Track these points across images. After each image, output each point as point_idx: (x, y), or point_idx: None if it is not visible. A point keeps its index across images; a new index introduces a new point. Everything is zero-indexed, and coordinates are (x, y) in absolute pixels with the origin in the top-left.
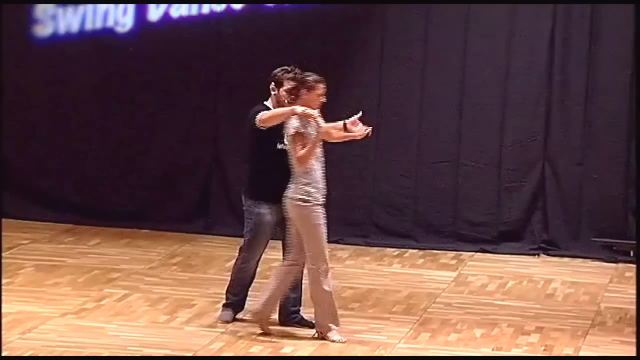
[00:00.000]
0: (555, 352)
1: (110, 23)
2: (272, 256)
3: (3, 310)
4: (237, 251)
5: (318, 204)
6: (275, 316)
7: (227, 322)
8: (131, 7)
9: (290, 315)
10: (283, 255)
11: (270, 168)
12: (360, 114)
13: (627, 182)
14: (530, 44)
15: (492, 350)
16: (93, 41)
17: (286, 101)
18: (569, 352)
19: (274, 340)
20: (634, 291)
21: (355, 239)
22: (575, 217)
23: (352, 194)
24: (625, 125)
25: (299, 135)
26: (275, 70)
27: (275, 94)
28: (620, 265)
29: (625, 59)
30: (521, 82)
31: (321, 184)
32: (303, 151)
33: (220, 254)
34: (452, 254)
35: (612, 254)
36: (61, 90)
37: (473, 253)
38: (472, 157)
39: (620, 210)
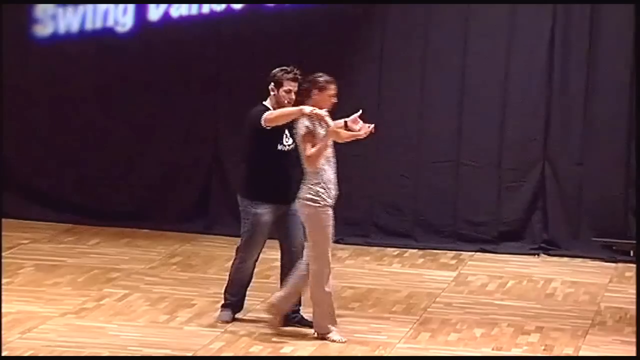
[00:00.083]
0: (555, 352)
1: (110, 23)
2: (272, 256)
3: (3, 310)
4: (235, 251)
5: (326, 205)
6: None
7: (227, 322)
8: (131, 7)
9: (290, 315)
10: (281, 255)
11: (269, 168)
12: (360, 112)
13: (627, 182)
14: (530, 44)
15: (492, 350)
16: (93, 41)
17: (286, 101)
18: (569, 352)
19: (274, 340)
20: (634, 291)
21: (355, 238)
22: (575, 217)
23: (352, 193)
24: (625, 125)
25: (309, 135)
26: (275, 71)
27: (274, 94)
28: (620, 265)
29: (625, 59)
30: (521, 82)
31: (331, 185)
32: (312, 150)
33: (220, 254)
34: (452, 253)
35: (612, 254)
36: (61, 90)
37: (473, 253)
38: (472, 157)
39: (620, 210)
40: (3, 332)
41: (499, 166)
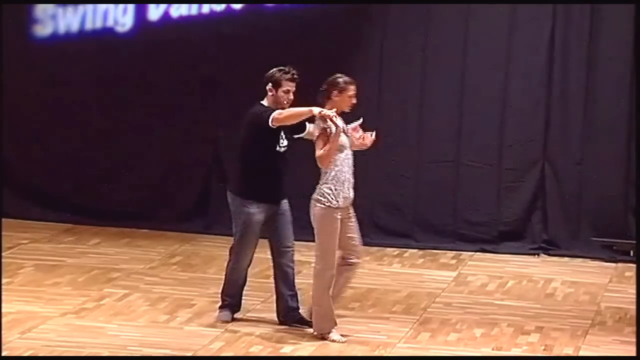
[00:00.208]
0: (555, 352)
1: (110, 23)
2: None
3: (3, 310)
4: (228, 252)
5: (331, 207)
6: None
7: (227, 322)
8: (131, 7)
9: (289, 314)
10: (271, 254)
11: (264, 168)
12: (360, 120)
13: (627, 182)
14: (530, 44)
15: (492, 350)
16: (93, 41)
17: (285, 102)
18: (569, 352)
19: (274, 340)
20: (634, 291)
21: None
22: (575, 217)
23: None
24: (625, 125)
25: (323, 136)
26: (272, 71)
27: (272, 95)
28: (620, 265)
29: (625, 59)
30: (521, 82)
31: (344, 187)
32: (321, 151)
33: (220, 254)
34: (452, 253)
35: (612, 254)
36: (61, 90)
37: (473, 253)
38: (472, 157)
39: (620, 210)
40: (3, 332)
41: (499, 166)
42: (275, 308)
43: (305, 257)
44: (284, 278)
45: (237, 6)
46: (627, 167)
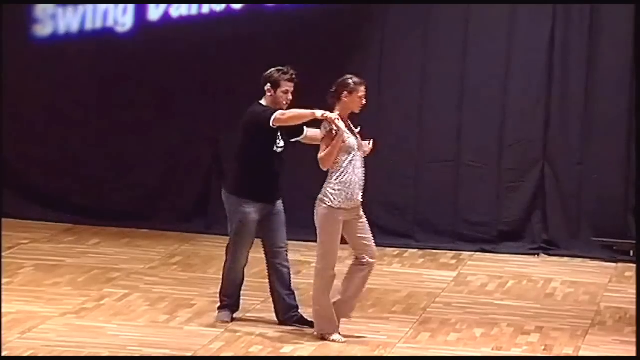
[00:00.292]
0: (555, 352)
1: (110, 23)
2: None
3: (3, 310)
4: (224, 253)
5: (334, 208)
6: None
7: (227, 322)
8: (131, 7)
9: (289, 314)
10: (265, 254)
11: (262, 168)
12: (359, 128)
13: (627, 182)
14: (530, 44)
15: (492, 350)
16: (93, 41)
17: (284, 102)
18: (568, 352)
19: (274, 340)
20: (633, 291)
21: None
22: (575, 217)
23: None
24: (625, 125)
25: (328, 138)
26: (271, 71)
27: (271, 95)
28: (620, 265)
29: (625, 59)
30: (521, 82)
31: (349, 189)
32: (322, 154)
33: (220, 254)
34: (452, 253)
35: (612, 254)
36: (61, 90)
37: (473, 253)
38: (472, 157)
39: (620, 210)
40: (3, 332)
41: (499, 166)
42: (273, 309)
43: (305, 257)
44: (280, 278)
45: (237, 6)
46: (627, 167)
